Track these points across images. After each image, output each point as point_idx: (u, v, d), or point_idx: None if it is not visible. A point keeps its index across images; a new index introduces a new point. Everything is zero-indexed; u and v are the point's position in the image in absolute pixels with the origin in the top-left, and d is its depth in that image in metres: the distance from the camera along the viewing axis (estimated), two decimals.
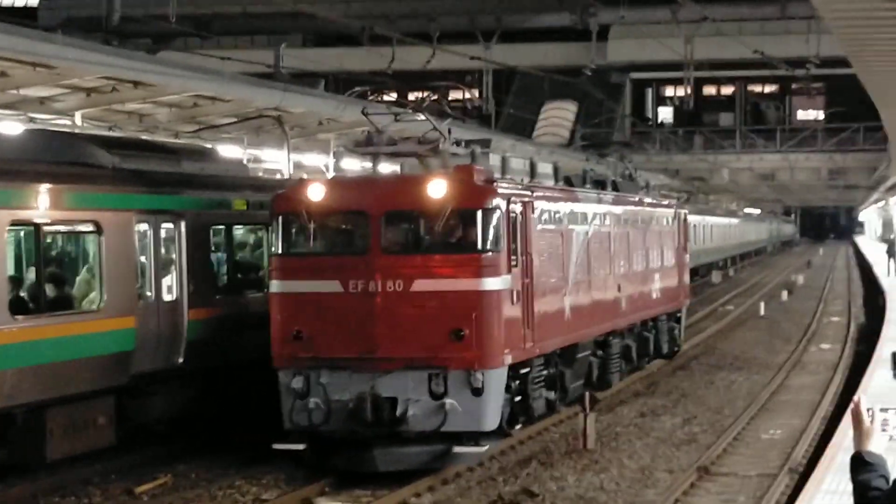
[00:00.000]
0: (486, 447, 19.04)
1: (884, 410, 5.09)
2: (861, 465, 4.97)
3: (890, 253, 58.80)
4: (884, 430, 5.04)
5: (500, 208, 18.89)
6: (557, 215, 21.99)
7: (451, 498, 18.01)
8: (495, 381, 18.63)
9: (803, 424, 23.81)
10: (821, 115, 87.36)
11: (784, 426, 23.98)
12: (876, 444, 5.02)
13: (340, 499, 17.98)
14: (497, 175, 20.49)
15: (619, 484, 18.82)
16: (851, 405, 5.16)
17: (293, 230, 19.32)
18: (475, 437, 18.71)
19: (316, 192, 18.98)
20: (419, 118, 21.20)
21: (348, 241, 19.49)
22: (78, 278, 19.35)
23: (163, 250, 20.53)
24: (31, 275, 18.27)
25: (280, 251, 19.34)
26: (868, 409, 5.08)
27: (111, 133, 25.69)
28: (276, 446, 18.93)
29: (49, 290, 18.37)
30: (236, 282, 22.78)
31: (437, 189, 18.54)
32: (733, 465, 20.44)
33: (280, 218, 19.31)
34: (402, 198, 19.03)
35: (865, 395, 5.33)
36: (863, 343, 36.31)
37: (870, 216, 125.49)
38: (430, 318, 18.37)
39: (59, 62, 21.11)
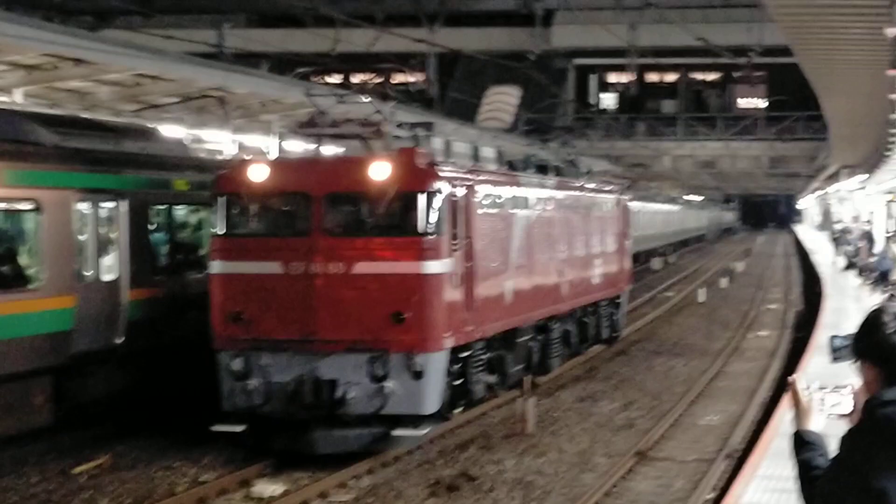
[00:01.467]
0: (426, 430, 19.06)
1: (821, 389, 5.13)
2: (801, 444, 5.02)
3: (837, 243, 59.22)
4: (821, 409, 5.09)
5: (442, 191, 18.88)
6: (500, 199, 22.01)
7: (391, 480, 18.04)
8: (436, 364, 18.66)
9: (741, 410, 24.01)
10: (762, 103, 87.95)
11: (722, 412, 24.17)
12: (815, 423, 5.07)
13: (279, 481, 17.95)
14: (440, 158, 20.48)
15: (558, 468, 18.92)
16: (788, 385, 5.21)
17: (234, 211, 19.23)
18: (415, 420, 18.72)
19: (258, 173, 18.91)
20: (363, 100, 21.16)
21: (290, 223, 19.42)
22: (17, 257, 19.18)
23: (103, 229, 20.40)
24: None
25: (221, 231, 19.25)
26: (806, 388, 5.13)
27: (52, 111, 25.45)
28: (215, 428, 18.87)
29: None
30: (177, 262, 22.68)
31: (380, 171, 18.51)
32: (671, 451, 20.59)
33: (221, 198, 19.22)
34: (344, 179, 18.98)
35: (789, 372, 5.39)
36: (801, 330, 36.64)
37: (809, 205, 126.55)
38: (371, 301, 18.35)
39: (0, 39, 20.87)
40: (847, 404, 5.07)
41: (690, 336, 37.16)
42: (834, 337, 5.22)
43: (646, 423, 22.80)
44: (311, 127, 20.32)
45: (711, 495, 17.04)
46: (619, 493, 17.59)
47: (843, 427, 5.03)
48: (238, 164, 19.95)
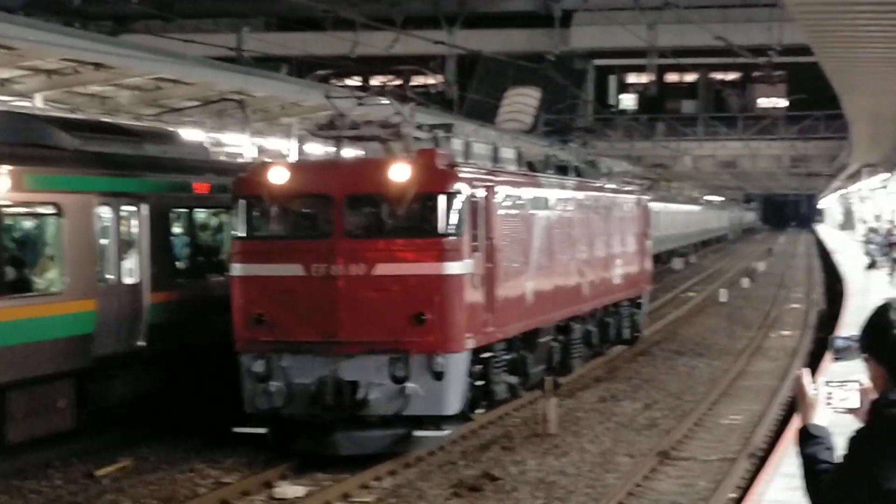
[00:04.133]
0: (448, 431, 19.08)
1: (828, 383, 5.10)
2: (808, 438, 5.00)
3: (868, 250, 58.58)
4: (828, 404, 5.07)
5: (462, 192, 18.88)
6: (520, 200, 22.01)
7: (413, 481, 18.04)
8: (457, 365, 18.64)
9: (763, 409, 23.96)
10: (782, 102, 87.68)
11: (744, 411, 24.12)
12: (820, 418, 5.05)
13: (302, 482, 17.96)
14: (460, 159, 20.48)
15: (580, 468, 18.90)
16: (795, 379, 5.19)
17: (255, 213, 19.24)
18: (437, 421, 18.72)
19: (278, 175, 18.92)
20: (382, 102, 21.18)
21: (310, 225, 19.45)
22: (38, 261, 19.24)
23: (124, 233, 20.44)
24: None
25: (242, 234, 19.27)
26: (812, 383, 5.11)
27: (72, 115, 25.52)
28: (238, 430, 18.91)
29: (9, 272, 18.25)
30: (198, 265, 22.71)
31: (400, 173, 18.51)
32: (694, 450, 20.55)
33: (242, 201, 19.23)
34: (364, 181, 18.99)
35: (811, 371, 5.38)
36: (823, 329, 36.52)
37: (830, 204, 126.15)
38: (392, 302, 18.35)
39: (20, 43, 20.93)
40: (854, 399, 5.04)
41: (712, 336, 37.08)
42: (835, 337, 5.20)
43: (668, 422, 22.76)
44: (330, 129, 20.33)
45: (734, 495, 16.99)
46: (642, 493, 17.55)
47: (850, 422, 5.01)
48: (258, 167, 19.97)
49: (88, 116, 26.05)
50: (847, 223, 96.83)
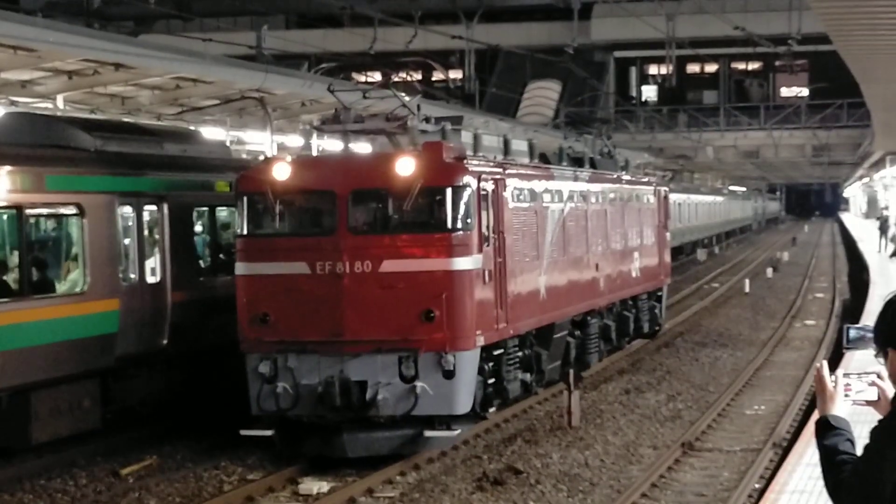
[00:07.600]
0: (459, 431, 18.57)
1: (846, 375, 5.12)
2: (827, 429, 5.02)
3: (882, 230, 58.80)
4: (846, 396, 5.09)
5: (470, 186, 18.36)
6: (532, 193, 21.47)
7: (436, 476, 18.05)
8: (467, 363, 18.15)
9: (787, 400, 23.92)
10: (804, 91, 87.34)
11: (768, 402, 24.09)
12: (839, 409, 5.07)
13: (326, 478, 17.98)
14: (469, 152, 20.04)
15: (604, 460, 18.91)
16: (814, 371, 5.21)
17: (258, 210, 18.71)
18: (447, 421, 18.24)
19: (281, 171, 18.36)
20: (388, 95, 20.79)
21: (315, 221, 18.90)
22: (61, 261, 19.35)
23: (146, 233, 20.53)
24: (14, 258, 18.26)
25: (245, 232, 18.75)
26: (831, 374, 5.13)
27: (93, 116, 25.63)
28: (244, 432, 18.57)
29: (33, 273, 18.37)
30: (219, 264, 22.76)
31: (406, 167, 17.97)
32: (717, 441, 20.54)
33: (245, 198, 18.71)
34: (369, 176, 18.44)
35: (833, 363, 5.41)
36: (848, 318, 36.41)
37: (854, 193, 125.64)
38: (400, 300, 17.85)
39: (41, 45, 21.04)
40: (873, 392, 5.05)
41: (736, 326, 37.00)
42: (849, 327, 5.21)
43: (692, 414, 22.74)
44: (335, 123, 19.98)
45: (758, 485, 16.99)
46: (666, 485, 17.56)
47: (870, 413, 5.03)
48: (261, 163, 19.51)
49: (109, 117, 26.17)
50: (871, 212, 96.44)
